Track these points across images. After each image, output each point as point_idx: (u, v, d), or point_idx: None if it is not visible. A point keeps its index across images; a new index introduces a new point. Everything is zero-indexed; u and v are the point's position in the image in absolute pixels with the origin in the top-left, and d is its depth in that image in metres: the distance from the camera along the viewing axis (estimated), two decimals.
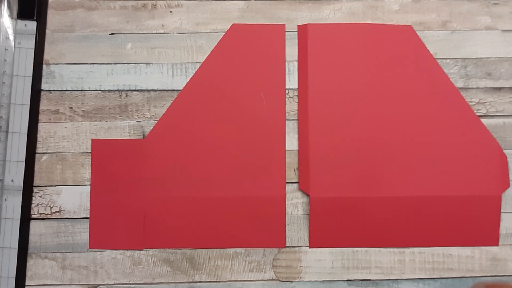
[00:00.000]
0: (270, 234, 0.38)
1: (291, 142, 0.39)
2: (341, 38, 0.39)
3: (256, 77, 0.39)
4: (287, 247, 0.38)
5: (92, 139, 0.38)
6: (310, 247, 0.38)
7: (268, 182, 0.38)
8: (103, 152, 0.38)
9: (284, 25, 0.40)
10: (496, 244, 0.38)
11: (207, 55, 0.40)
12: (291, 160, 0.39)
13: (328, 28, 0.40)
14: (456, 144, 0.38)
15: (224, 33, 0.40)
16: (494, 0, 0.42)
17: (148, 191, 0.38)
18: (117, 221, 0.38)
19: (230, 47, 0.39)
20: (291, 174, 0.39)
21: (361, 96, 0.39)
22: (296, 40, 0.40)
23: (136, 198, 0.38)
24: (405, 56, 0.40)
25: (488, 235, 0.38)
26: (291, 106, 0.40)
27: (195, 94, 0.39)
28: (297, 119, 0.39)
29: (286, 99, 0.39)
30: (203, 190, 0.38)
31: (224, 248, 0.38)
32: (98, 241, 0.38)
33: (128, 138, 0.39)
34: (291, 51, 0.40)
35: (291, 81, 0.40)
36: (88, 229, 0.38)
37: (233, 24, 0.40)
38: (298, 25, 0.40)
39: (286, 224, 0.38)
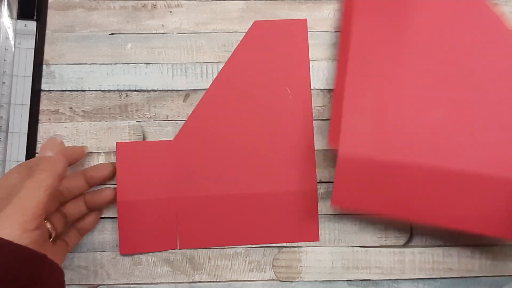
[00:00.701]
0: (304, 229, 0.38)
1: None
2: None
3: (281, 73, 0.39)
4: (287, 247, 0.38)
5: (116, 142, 0.38)
6: (332, 203, 0.35)
7: (299, 177, 0.38)
8: (129, 155, 0.38)
9: (306, 19, 0.40)
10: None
11: (207, 55, 0.40)
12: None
13: None
14: None
15: (224, 33, 0.40)
16: (494, 0, 0.42)
17: (179, 191, 0.38)
18: (148, 224, 0.37)
19: (253, 44, 0.39)
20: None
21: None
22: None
23: (166, 199, 0.38)
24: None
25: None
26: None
27: (221, 92, 0.39)
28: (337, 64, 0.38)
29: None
30: (233, 188, 0.38)
31: (260, 244, 0.38)
32: (129, 246, 0.37)
33: (128, 138, 0.39)
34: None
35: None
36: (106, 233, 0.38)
37: (255, 21, 0.40)
38: None
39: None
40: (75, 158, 0.36)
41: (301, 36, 0.39)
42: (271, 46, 0.39)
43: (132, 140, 0.39)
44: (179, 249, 0.38)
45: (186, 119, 0.39)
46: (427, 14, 0.36)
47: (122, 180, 0.37)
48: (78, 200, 0.36)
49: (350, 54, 0.35)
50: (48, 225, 0.32)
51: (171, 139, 0.39)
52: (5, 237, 0.25)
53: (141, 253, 0.38)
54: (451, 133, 0.33)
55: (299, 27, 0.40)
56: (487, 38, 0.36)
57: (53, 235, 0.33)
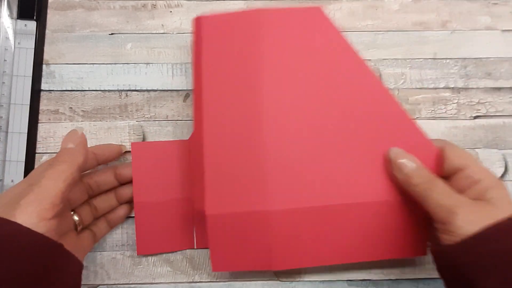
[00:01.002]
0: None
1: None
2: (238, 28, 0.33)
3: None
4: None
5: (132, 142, 0.37)
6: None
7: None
8: (144, 155, 0.37)
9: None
10: (425, 254, 0.34)
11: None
12: None
13: (223, 18, 0.34)
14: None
15: None
16: (494, 0, 0.42)
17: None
18: (165, 224, 0.37)
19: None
20: None
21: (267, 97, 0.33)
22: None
23: (183, 199, 0.37)
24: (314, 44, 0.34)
25: (415, 245, 0.34)
26: None
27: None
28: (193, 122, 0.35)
29: None
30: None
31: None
32: (146, 246, 0.37)
33: (128, 138, 0.39)
34: None
35: None
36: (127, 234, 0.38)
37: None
38: (193, 19, 0.35)
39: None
40: (108, 156, 0.36)
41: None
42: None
43: (132, 141, 0.39)
44: (196, 248, 0.38)
45: (186, 119, 0.39)
46: (277, 51, 0.33)
47: (138, 180, 0.36)
48: (108, 194, 0.37)
49: (204, 101, 0.33)
50: (76, 217, 0.34)
51: (171, 139, 0.39)
52: (23, 224, 0.25)
53: (158, 254, 0.38)
54: (310, 173, 0.33)
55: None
56: (341, 71, 0.34)
57: (80, 227, 0.34)
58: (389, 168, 0.33)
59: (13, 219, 0.25)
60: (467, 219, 0.27)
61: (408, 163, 0.31)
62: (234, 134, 0.33)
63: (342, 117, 0.33)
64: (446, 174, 0.32)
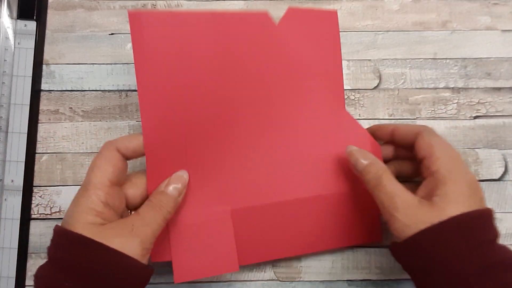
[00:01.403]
0: (365, 228, 0.37)
1: None
2: (182, 29, 0.32)
3: (313, 65, 0.36)
4: None
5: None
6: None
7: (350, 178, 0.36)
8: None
9: (336, 10, 0.36)
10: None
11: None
12: None
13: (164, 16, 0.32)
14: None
15: None
16: (494, 0, 0.42)
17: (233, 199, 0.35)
18: (203, 245, 0.34)
19: (286, 31, 0.35)
20: None
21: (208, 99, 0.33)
22: None
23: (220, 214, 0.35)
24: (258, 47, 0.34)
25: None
26: None
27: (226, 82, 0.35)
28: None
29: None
30: (280, 195, 0.35)
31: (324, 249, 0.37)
32: (184, 272, 0.33)
33: None
34: None
35: None
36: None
37: (289, 7, 0.35)
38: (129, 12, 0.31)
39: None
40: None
41: (333, 28, 0.36)
42: (303, 35, 0.35)
43: None
44: (240, 265, 0.35)
45: None
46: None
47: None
48: None
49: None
50: None
51: None
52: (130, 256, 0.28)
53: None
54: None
55: (330, 19, 0.36)
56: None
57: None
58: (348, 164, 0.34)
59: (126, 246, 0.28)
60: (404, 223, 0.28)
61: (360, 160, 0.32)
62: (183, 135, 0.33)
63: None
64: (418, 161, 0.32)
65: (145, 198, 0.32)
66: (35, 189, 0.39)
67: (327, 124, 0.36)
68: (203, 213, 0.34)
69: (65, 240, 0.27)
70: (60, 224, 0.28)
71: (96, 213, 0.28)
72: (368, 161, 0.32)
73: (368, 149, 0.34)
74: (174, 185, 0.31)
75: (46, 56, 0.40)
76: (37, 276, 0.27)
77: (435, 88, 0.41)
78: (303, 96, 0.35)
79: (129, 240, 0.28)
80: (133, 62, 0.31)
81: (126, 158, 0.31)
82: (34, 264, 0.38)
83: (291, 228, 0.35)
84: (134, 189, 0.32)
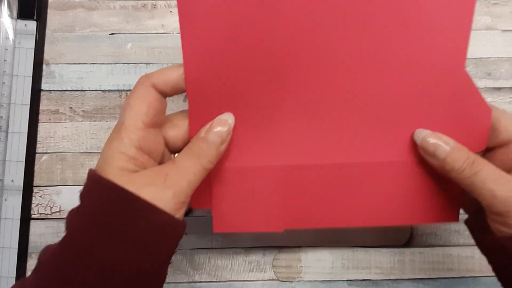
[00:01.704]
0: (439, 206, 0.30)
1: None
2: None
3: None
4: (287, 247, 0.38)
5: None
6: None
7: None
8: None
9: None
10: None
11: None
12: None
13: None
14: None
15: None
16: (494, 0, 0.42)
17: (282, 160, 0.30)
18: (247, 199, 0.30)
19: None
20: None
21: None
22: None
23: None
24: None
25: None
26: None
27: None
28: None
29: None
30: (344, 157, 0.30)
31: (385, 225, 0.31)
32: (224, 223, 0.30)
33: None
34: None
35: None
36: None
37: None
38: None
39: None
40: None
41: None
42: None
43: None
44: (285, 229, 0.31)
45: None
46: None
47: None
48: None
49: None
50: None
51: None
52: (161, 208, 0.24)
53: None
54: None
55: None
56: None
57: None
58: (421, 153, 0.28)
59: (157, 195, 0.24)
60: None
61: (441, 145, 0.26)
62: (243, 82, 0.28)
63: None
64: (492, 146, 0.27)
65: (187, 142, 0.28)
66: (35, 189, 0.39)
67: (437, 80, 0.28)
68: (250, 164, 0.29)
69: (95, 185, 0.25)
70: (93, 170, 0.26)
71: (128, 158, 0.25)
72: (451, 145, 0.26)
73: (480, 115, 0.28)
74: (217, 130, 0.27)
75: (46, 56, 0.40)
76: (68, 221, 0.25)
77: None
78: (414, 41, 0.28)
79: (161, 191, 0.24)
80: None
81: (165, 95, 0.27)
82: (34, 264, 0.38)
83: (352, 196, 0.30)
84: (175, 131, 0.28)
